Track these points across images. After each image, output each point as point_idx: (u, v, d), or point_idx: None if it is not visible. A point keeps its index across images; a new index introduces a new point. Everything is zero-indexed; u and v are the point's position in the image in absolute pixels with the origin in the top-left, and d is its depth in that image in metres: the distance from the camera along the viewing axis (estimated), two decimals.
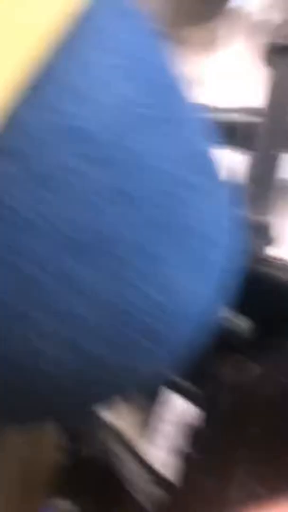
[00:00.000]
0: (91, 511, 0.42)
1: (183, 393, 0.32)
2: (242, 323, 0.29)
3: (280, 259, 0.31)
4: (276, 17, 0.44)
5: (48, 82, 0.16)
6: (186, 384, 0.31)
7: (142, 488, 0.42)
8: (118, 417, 0.36)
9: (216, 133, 0.23)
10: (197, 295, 0.21)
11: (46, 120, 0.16)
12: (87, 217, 0.17)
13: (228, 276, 0.22)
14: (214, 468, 0.29)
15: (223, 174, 0.23)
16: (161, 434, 0.42)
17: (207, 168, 0.22)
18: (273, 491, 0.24)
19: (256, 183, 0.34)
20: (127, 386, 0.21)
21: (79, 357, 0.18)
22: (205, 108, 0.27)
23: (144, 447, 0.43)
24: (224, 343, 0.25)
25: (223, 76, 0.44)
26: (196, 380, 0.29)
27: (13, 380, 0.18)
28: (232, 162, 0.32)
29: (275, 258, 0.31)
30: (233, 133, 0.35)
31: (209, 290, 0.21)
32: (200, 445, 0.29)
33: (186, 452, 0.29)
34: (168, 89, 0.21)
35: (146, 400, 0.35)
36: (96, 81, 0.17)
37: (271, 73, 0.37)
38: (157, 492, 0.43)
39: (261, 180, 0.34)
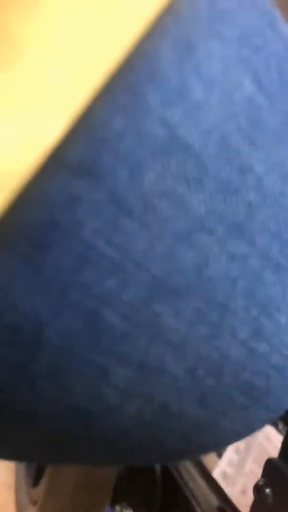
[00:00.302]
0: None
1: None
2: None
3: None
4: None
5: (146, 79, 0.12)
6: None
7: (200, 496, 0.40)
8: None
9: None
10: None
11: (137, 128, 0.12)
12: (182, 254, 0.13)
13: None
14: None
15: None
16: (230, 449, 0.39)
17: None
18: None
19: None
20: (209, 445, 0.17)
21: (162, 415, 0.15)
22: None
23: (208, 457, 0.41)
24: None
25: None
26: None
27: (84, 429, 0.15)
28: None
29: None
30: None
31: None
32: (273, 479, 0.26)
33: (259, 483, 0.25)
34: None
35: None
36: (211, 80, 0.13)
37: None
38: (214, 501, 0.40)
39: None
